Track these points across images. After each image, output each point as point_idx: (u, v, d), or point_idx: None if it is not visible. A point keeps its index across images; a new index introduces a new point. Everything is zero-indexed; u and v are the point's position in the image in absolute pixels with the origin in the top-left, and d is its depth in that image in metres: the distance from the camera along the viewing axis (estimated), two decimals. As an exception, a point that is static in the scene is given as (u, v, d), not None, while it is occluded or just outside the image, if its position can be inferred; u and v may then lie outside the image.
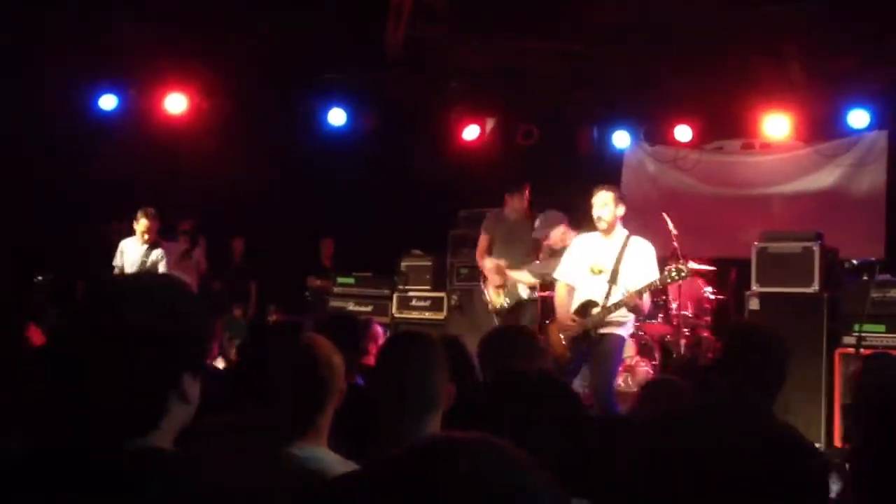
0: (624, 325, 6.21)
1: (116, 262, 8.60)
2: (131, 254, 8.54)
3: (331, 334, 3.11)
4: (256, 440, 2.71)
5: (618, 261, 6.13)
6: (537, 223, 7.75)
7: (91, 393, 1.65)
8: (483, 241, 8.37)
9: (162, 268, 8.45)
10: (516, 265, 8.06)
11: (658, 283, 6.08)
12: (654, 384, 4.41)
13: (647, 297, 6.17)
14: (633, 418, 3.22)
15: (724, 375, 2.74)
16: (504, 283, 8.10)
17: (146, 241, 8.51)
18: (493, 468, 1.14)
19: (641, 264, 6.15)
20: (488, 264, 8.20)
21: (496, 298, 8.14)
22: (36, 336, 6.86)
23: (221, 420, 2.91)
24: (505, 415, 2.03)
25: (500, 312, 8.06)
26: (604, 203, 6.19)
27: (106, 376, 1.64)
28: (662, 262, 7.21)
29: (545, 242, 7.74)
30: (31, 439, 1.94)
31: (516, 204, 8.28)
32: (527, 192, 8.36)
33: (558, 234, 7.52)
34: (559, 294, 6.42)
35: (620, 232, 6.25)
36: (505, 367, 2.67)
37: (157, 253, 8.52)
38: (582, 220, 6.81)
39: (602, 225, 6.19)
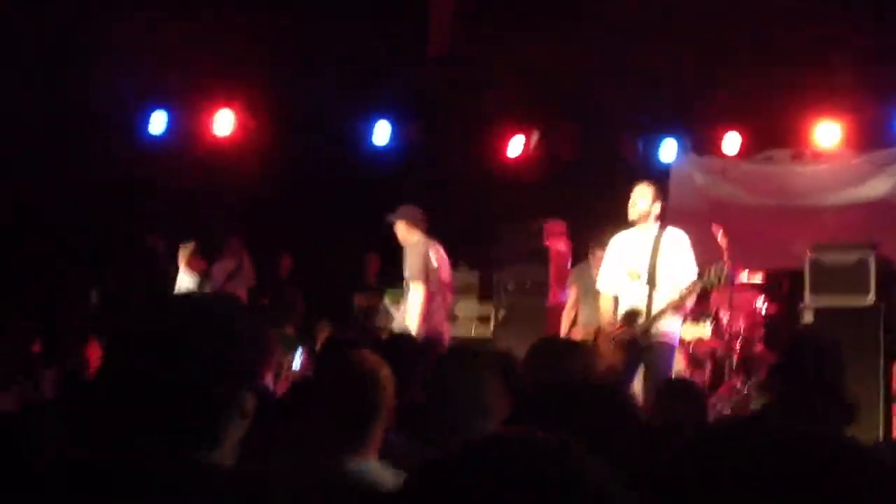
0: (672, 332, 6.15)
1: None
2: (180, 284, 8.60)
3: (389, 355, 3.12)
4: (311, 456, 2.72)
5: (653, 257, 6.10)
6: None
7: (153, 411, 1.66)
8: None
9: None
10: None
11: (698, 285, 6.04)
12: (670, 384, 4.36)
13: (691, 300, 6.14)
14: (651, 419, 3.18)
15: (784, 381, 2.68)
16: None
17: (191, 271, 8.55)
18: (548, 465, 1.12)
19: (678, 259, 6.10)
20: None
21: None
22: (97, 353, 6.96)
23: (279, 436, 2.94)
24: (553, 423, 2.00)
25: None
26: (642, 194, 6.19)
27: (166, 395, 1.66)
28: (712, 272, 7.14)
29: None
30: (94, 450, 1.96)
31: None
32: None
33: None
34: (604, 307, 6.39)
35: (654, 224, 6.20)
36: (552, 376, 2.66)
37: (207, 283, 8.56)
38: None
39: (633, 215, 6.16)
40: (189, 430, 1.67)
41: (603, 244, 7.01)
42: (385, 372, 2.71)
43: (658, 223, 6.23)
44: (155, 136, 10.03)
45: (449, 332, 7.63)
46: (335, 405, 2.70)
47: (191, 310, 1.78)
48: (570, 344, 3.17)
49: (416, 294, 7.06)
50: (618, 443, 2.00)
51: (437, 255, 7.39)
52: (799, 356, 2.80)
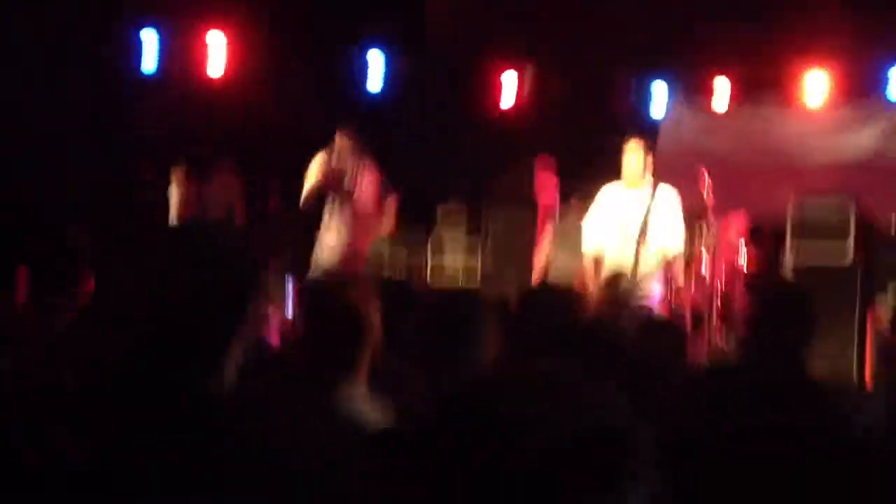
0: (655, 294, 6.19)
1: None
2: None
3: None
4: (302, 387, 2.81)
5: (645, 215, 6.07)
6: None
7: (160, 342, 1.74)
8: None
9: None
10: None
11: (686, 253, 6.04)
12: (649, 322, 4.44)
13: (678, 263, 6.15)
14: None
15: (752, 334, 2.80)
16: None
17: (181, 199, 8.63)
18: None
19: (668, 220, 6.09)
20: None
21: None
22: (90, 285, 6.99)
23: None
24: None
25: None
26: (634, 152, 6.12)
27: (174, 324, 1.74)
28: (693, 219, 7.22)
29: None
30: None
31: None
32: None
33: None
34: (587, 267, 6.30)
35: (648, 181, 6.18)
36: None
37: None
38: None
39: (627, 174, 6.11)
40: (190, 360, 1.75)
41: (584, 195, 7.00)
42: (373, 304, 2.78)
43: (650, 179, 6.21)
44: (146, 76, 9.95)
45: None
46: (325, 336, 2.77)
47: (190, 242, 1.85)
48: (560, 293, 3.21)
49: None
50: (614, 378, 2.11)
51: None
52: (764, 311, 2.91)
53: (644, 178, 6.16)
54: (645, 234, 6.07)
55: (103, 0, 9.24)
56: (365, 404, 2.68)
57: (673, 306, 8.18)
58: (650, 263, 6.08)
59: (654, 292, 6.16)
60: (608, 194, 6.32)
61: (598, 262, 6.22)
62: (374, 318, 2.82)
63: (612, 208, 6.24)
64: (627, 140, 6.21)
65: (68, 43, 9.19)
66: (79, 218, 9.39)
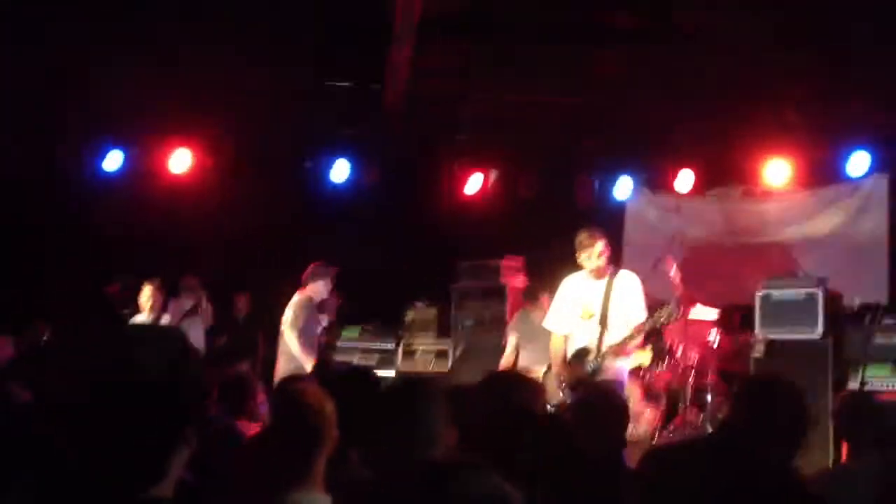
0: (620, 369, 6.28)
1: None
2: None
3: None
4: (255, 491, 2.75)
5: (605, 300, 6.26)
6: None
7: (105, 446, 1.68)
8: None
9: None
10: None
11: (647, 325, 6.14)
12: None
13: (637, 340, 6.22)
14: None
15: (744, 434, 2.76)
16: None
17: (151, 310, 8.56)
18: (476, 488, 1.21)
19: (628, 302, 6.27)
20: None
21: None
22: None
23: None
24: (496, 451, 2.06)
25: None
26: (589, 246, 6.27)
27: (119, 429, 1.68)
28: (665, 307, 7.26)
29: None
30: (45, 484, 1.98)
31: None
32: None
33: None
34: (555, 346, 6.50)
35: (606, 269, 6.35)
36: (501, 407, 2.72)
37: (165, 320, 8.58)
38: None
39: (589, 266, 6.28)
40: (140, 465, 1.70)
41: (548, 287, 7.13)
42: (327, 405, 2.76)
43: (610, 267, 6.36)
44: (111, 174, 10.01)
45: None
46: (281, 438, 2.74)
47: (141, 343, 1.81)
48: (519, 378, 3.22)
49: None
50: (554, 465, 2.07)
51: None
52: (749, 399, 2.89)
53: (602, 266, 6.32)
54: (607, 317, 6.25)
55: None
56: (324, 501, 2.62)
57: (647, 383, 8.21)
58: (613, 341, 6.21)
59: (618, 367, 6.26)
60: (570, 283, 6.53)
61: (564, 338, 6.45)
62: (332, 420, 2.79)
63: (574, 296, 6.45)
64: (584, 232, 6.36)
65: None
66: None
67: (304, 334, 7.92)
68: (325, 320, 8.98)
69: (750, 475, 2.07)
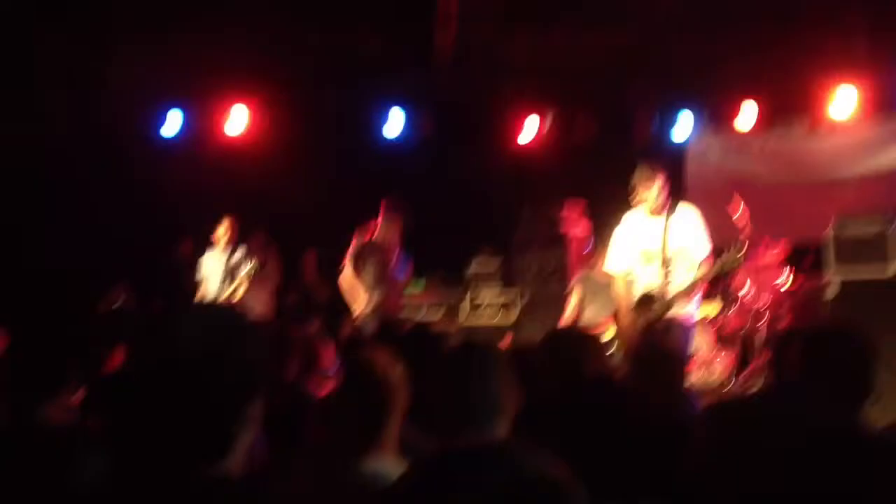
0: (688, 314, 6.12)
1: (199, 277, 8.80)
2: (212, 263, 8.75)
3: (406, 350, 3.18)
4: (329, 458, 2.77)
5: (666, 238, 6.08)
6: None
7: (165, 424, 1.71)
8: None
9: (246, 268, 8.55)
10: None
11: (713, 270, 5.99)
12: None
13: (703, 283, 6.10)
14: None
15: (801, 387, 2.66)
16: None
17: (228, 243, 8.68)
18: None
19: (691, 237, 6.08)
20: None
21: None
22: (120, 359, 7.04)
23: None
24: (567, 423, 2.05)
25: None
26: (645, 181, 6.12)
27: (175, 410, 1.71)
28: (733, 249, 7.13)
29: None
30: (114, 461, 2.03)
31: None
32: None
33: None
34: (618, 287, 6.33)
35: (664, 204, 6.17)
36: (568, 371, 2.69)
37: (239, 254, 8.66)
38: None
39: (647, 206, 6.13)
40: (203, 443, 1.72)
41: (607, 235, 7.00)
42: (397, 371, 2.77)
43: (668, 203, 6.18)
44: (171, 138, 10.12)
45: None
46: (350, 406, 2.76)
47: (200, 327, 1.82)
48: (582, 338, 3.16)
49: None
50: (619, 436, 2.05)
51: None
52: (817, 363, 2.78)
53: (661, 203, 6.15)
54: (668, 257, 6.07)
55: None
56: (393, 468, 2.64)
57: (719, 330, 8.08)
58: (678, 285, 6.02)
59: (686, 312, 6.10)
60: (630, 220, 6.35)
61: (627, 283, 6.26)
62: (402, 384, 2.80)
63: (633, 234, 6.27)
64: (644, 166, 6.21)
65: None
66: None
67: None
68: None
69: (808, 438, 2.01)
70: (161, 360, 1.76)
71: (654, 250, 6.12)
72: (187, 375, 1.70)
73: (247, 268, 8.57)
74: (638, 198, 6.17)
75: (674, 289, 6.04)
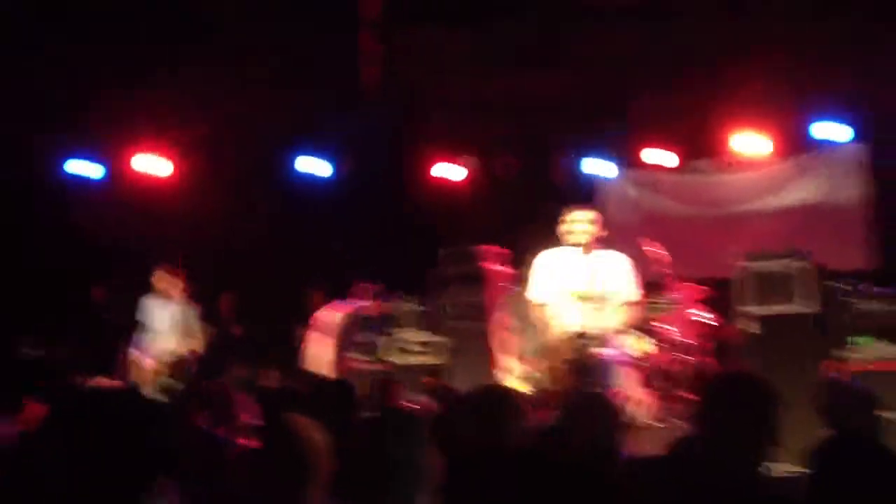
0: (618, 350, 6.09)
1: (141, 318, 8.60)
2: (161, 311, 8.57)
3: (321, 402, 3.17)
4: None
5: (598, 279, 6.05)
6: None
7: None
8: None
9: (195, 321, 8.60)
10: None
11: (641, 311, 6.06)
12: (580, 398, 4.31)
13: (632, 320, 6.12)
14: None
15: (703, 432, 2.70)
16: None
17: (182, 299, 8.59)
18: None
19: (625, 280, 6.09)
20: None
21: None
22: (35, 410, 6.87)
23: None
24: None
25: None
26: (584, 219, 6.08)
27: (80, 484, 1.72)
28: (653, 288, 7.33)
29: None
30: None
31: None
32: None
33: None
34: (544, 315, 6.19)
35: (596, 248, 6.13)
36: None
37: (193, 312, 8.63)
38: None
39: (580, 239, 6.03)
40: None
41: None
42: (317, 439, 2.75)
43: (600, 246, 6.17)
44: (90, 182, 9.97)
45: None
46: (271, 475, 2.73)
47: (95, 407, 1.85)
48: (503, 400, 3.13)
49: None
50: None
51: None
52: (714, 409, 2.82)
53: (592, 242, 6.12)
54: (602, 298, 6.04)
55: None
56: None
57: (643, 367, 8.18)
58: (610, 323, 6.04)
59: (614, 355, 6.04)
60: (550, 257, 6.25)
61: (550, 316, 6.15)
62: (325, 450, 2.78)
63: (561, 269, 6.16)
64: (572, 210, 6.18)
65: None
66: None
67: None
68: None
69: (711, 490, 2.06)
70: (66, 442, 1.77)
71: (583, 290, 6.06)
72: (94, 454, 1.73)
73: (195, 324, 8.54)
74: (568, 236, 6.10)
75: (605, 326, 6.00)
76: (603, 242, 6.20)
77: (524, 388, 6.81)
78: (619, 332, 6.12)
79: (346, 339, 8.15)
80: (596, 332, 5.99)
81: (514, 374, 7.31)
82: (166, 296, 8.60)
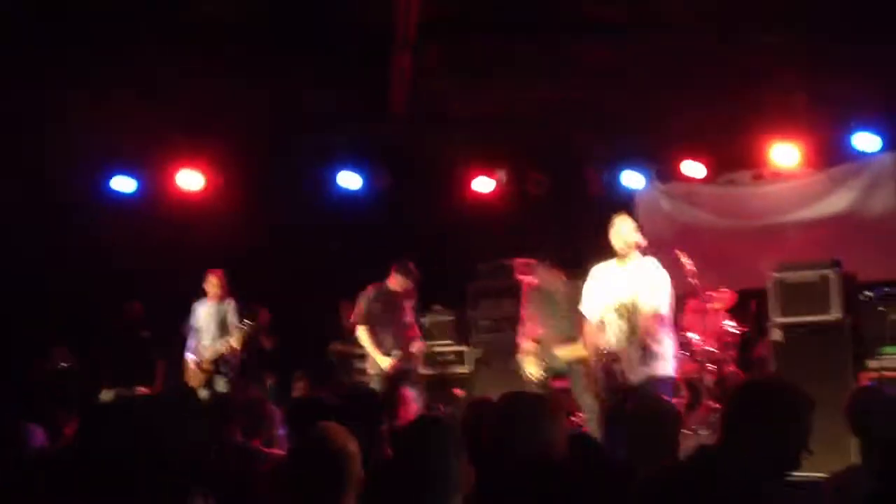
0: (663, 360, 6.12)
1: (193, 322, 9.10)
2: (203, 315, 9.06)
3: (350, 412, 3.21)
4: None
5: (635, 289, 6.15)
6: None
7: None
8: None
9: (232, 317, 8.97)
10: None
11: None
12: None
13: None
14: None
15: (726, 442, 2.68)
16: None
17: (220, 296, 9.03)
18: None
19: (651, 290, 6.15)
20: None
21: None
22: (65, 421, 6.98)
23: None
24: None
25: None
26: (623, 225, 6.25)
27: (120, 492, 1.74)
28: (681, 300, 7.35)
29: None
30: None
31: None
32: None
33: None
34: (590, 332, 6.38)
35: (635, 257, 6.25)
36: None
37: (230, 307, 9.02)
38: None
39: (619, 244, 6.21)
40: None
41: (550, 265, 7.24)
42: (351, 447, 2.78)
43: (640, 254, 6.28)
44: (121, 197, 10.12)
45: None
46: (305, 484, 2.77)
47: (121, 420, 1.86)
48: (535, 408, 3.14)
49: None
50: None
51: None
52: (740, 407, 2.80)
53: (632, 253, 6.23)
54: (637, 309, 6.11)
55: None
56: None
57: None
58: (645, 333, 6.08)
59: (662, 357, 6.10)
60: (600, 271, 6.42)
61: (599, 326, 6.30)
62: (357, 458, 2.81)
63: (604, 288, 6.32)
64: (614, 217, 6.31)
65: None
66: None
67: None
68: None
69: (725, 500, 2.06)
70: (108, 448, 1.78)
71: (623, 302, 6.18)
72: (117, 471, 1.74)
73: (237, 320, 8.91)
74: (615, 241, 6.24)
75: (640, 337, 6.07)
76: (643, 250, 6.28)
77: (538, 371, 7.21)
78: (651, 349, 6.08)
79: None
80: (631, 348, 6.05)
81: (531, 358, 7.38)
82: (213, 298, 9.06)
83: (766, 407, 2.74)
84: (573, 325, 6.87)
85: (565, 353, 7.14)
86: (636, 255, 6.26)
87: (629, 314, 6.15)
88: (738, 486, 1.91)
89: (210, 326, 9.02)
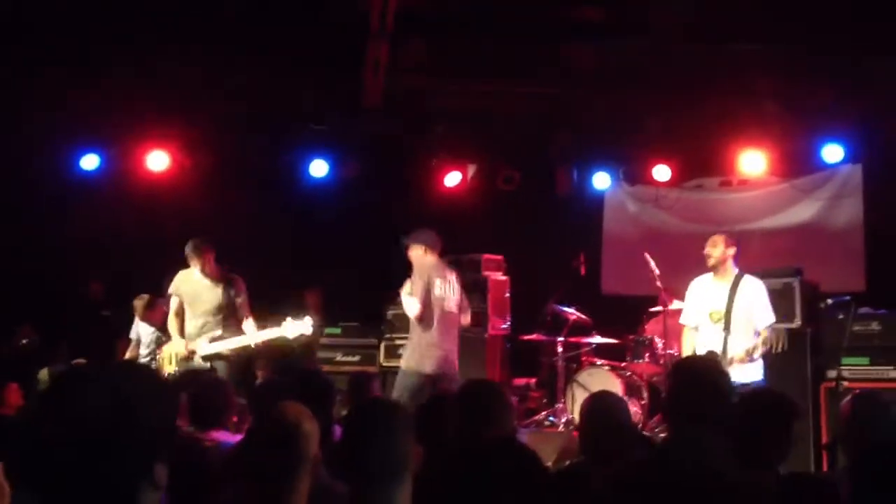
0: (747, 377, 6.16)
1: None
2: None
3: (306, 397, 3.19)
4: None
5: (729, 303, 6.32)
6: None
7: (63, 483, 1.69)
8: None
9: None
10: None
11: (759, 345, 6.10)
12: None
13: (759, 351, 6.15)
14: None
15: (672, 417, 2.75)
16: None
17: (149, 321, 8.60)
18: None
19: (757, 305, 6.34)
20: None
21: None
22: (15, 397, 6.91)
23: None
24: (469, 483, 2.09)
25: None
26: (714, 244, 6.46)
27: (74, 466, 1.68)
28: (646, 302, 7.38)
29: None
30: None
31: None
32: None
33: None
34: (687, 339, 6.66)
35: (732, 272, 6.44)
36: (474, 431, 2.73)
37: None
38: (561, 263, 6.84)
39: (711, 262, 6.43)
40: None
41: None
42: (307, 426, 2.77)
43: (736, 269, 6.44)
44: (88, 176, 9.99)
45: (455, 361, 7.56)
46: (258, 462, 2.76)
47: (95, 383, 1.80)
48: (493, 393, 3.20)
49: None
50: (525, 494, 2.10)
51: (445, 284, 7.46)
52: (681, 392, 2.87)
53: (727, 266, 6.43)
54: (729, 328, 6.28)
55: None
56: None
57: (629, 375, 8.23)
58: (738, 349, 6.20)
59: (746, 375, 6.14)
60: (698, 284, 6.63)
61: (692, 334, 6.55)
62: (314, 437, 2.80)
63: (701, 298, 6.53)
64: (712, 235, 6.57)
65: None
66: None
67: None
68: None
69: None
70: (66, 416, 1.73)
71: (719, 312, 6.35)
72: (91, 434, 1.69)
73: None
74: (708, 259, 6.44)
75: (733, 351, 6.20)
76: (736, 261, 6.48)
77: None
78: (749, 355, 6.18)
79: None
80: (724, 354, 6.18)
81: None
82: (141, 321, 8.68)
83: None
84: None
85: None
86: (731, 269, 6.44)
87: (724, 327, 6.30)
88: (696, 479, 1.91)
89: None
